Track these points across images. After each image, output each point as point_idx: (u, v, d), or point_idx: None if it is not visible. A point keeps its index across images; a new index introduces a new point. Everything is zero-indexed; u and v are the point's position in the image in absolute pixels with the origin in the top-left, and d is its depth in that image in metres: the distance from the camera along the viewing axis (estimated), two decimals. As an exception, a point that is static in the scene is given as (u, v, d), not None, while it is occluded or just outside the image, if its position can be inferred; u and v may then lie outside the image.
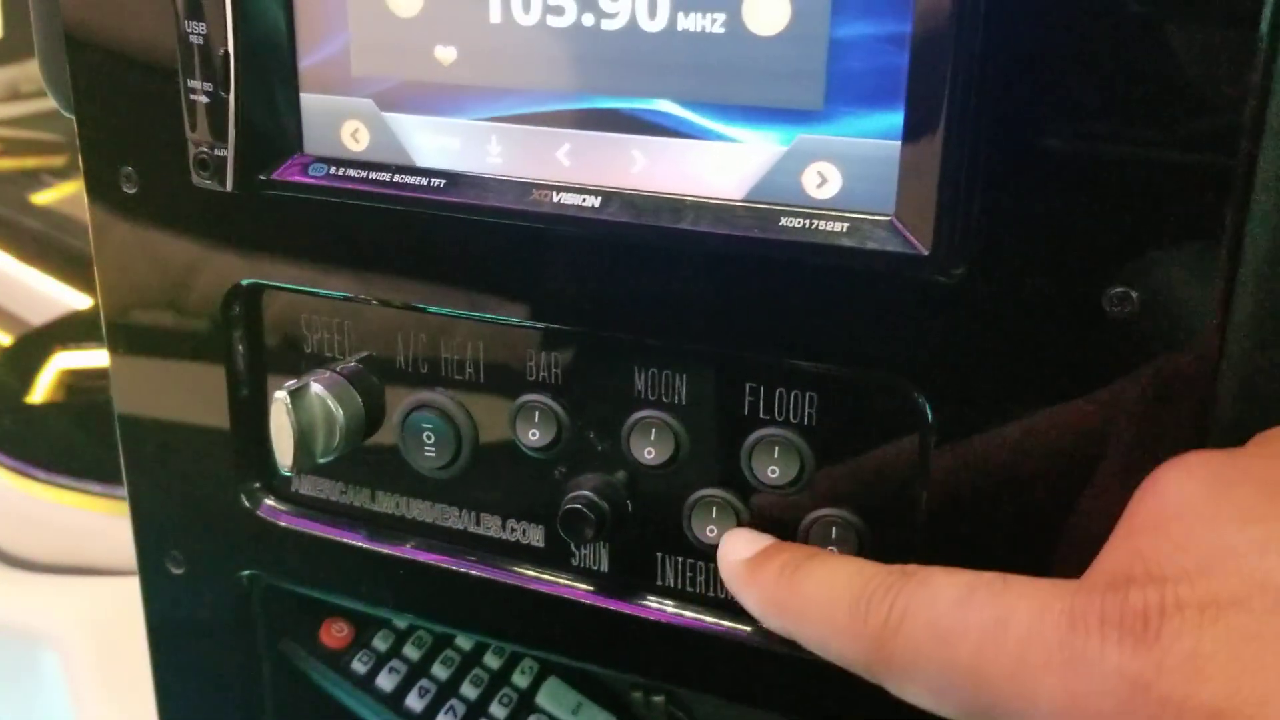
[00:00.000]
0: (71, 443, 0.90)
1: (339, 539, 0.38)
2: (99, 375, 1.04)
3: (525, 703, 0.43)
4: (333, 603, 0.41)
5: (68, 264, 1.34)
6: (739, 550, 0.29)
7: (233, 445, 0.38)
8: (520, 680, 0.43)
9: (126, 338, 0.39)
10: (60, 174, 1.46)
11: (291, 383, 0.34)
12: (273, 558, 0.39)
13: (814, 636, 0.26)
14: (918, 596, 0.24)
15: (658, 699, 0.43)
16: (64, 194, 1.44)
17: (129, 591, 0.71)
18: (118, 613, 0.72)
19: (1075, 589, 0.22)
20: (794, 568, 0.27)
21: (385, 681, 0.42)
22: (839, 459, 0.30)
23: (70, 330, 1.16)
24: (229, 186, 0.34)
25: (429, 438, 0.35)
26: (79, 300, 1.28)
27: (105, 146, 0.37)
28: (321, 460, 0.35)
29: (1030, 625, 0.22)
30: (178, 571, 0.41)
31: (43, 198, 1.46)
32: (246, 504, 0.39)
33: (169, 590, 0.42)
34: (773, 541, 0.29)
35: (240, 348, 0.38)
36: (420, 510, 0.37)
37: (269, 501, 0.39)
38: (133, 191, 0.37)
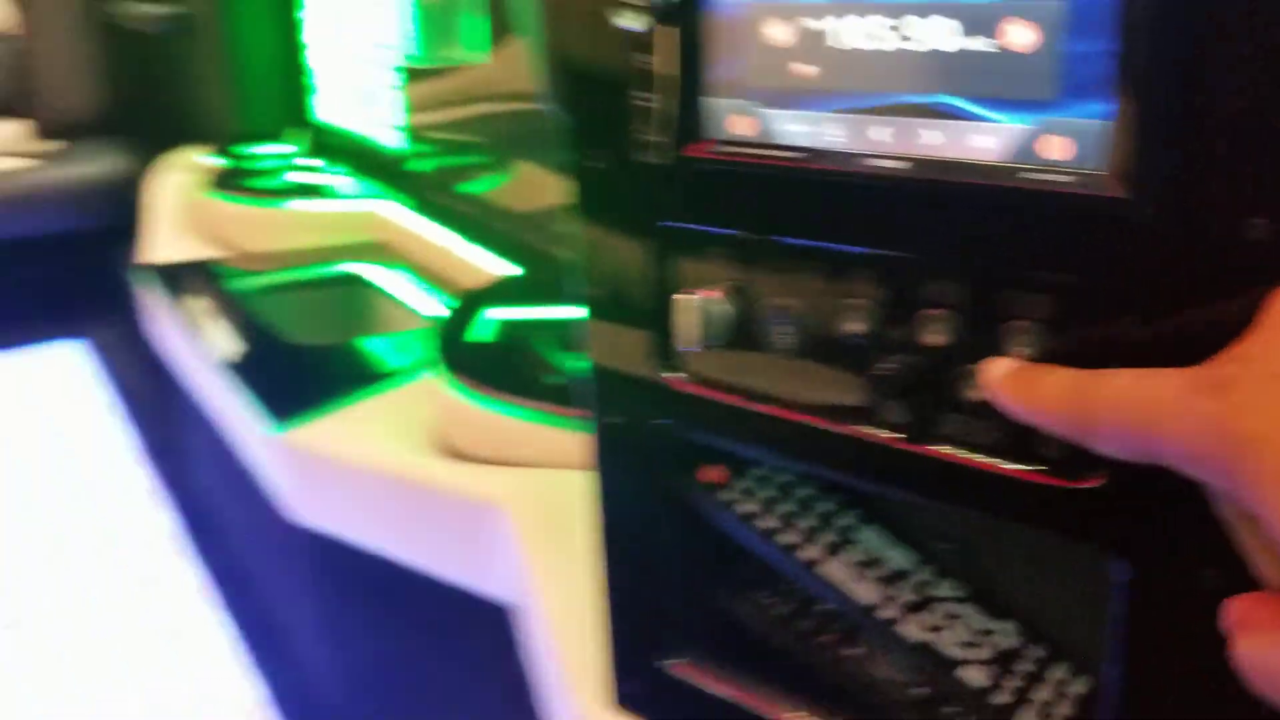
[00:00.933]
0: (500, 369, 1.16)
1: (721, 399, 0.55)
2: (520, 325, 1.32)
3: (850, 538, 0.59)
4: (714, 448, 0.58)
5: (493, 240, 1.66)
6: (995, 367, 0.43)
7: (652, 336, 0.57)
8: (845, 521, 0.60)
9: (599, 262, 0.59)
10: (483, 169, 1.78)
11: (690, 293, 0.52)
12: (677, 412, 0.58)
13: (1042, 415, 0.40)
14: (1108, 378, 0.37)
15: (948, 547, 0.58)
16: (488, 185, 1.75)
17: (553, 477, 0.95)
18: (548, 486, 0.97)
19: (1198, 367, 0.35)
20: (1029, 371, 0.41)
21: (748, 507, 0.60)
22: (1063, 337, 0.43)
23: (498, 290, 1.45)
24: (659, 159, 0.53)
25: (782, 334, 0.52)
26: (502, 269, 1.58)
27: (586, 136, 0.57)
28: (707, 346, 0.53)
29: (1168, 390, 0.35)
30: (617, 421, 0.61)
31: (472, 188, 1.79)
32: (659, 375, 0.58)
33: (611, 441, 0.62)
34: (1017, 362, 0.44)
35: (659, 270, 0.56)
36: (772, 383, 0.54)
37: (671, 374, 0.57)
38: (601, 167, 0.57)
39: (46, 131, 3.35)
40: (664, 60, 0.52)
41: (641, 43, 0.53)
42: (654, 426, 0.59)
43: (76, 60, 3.39)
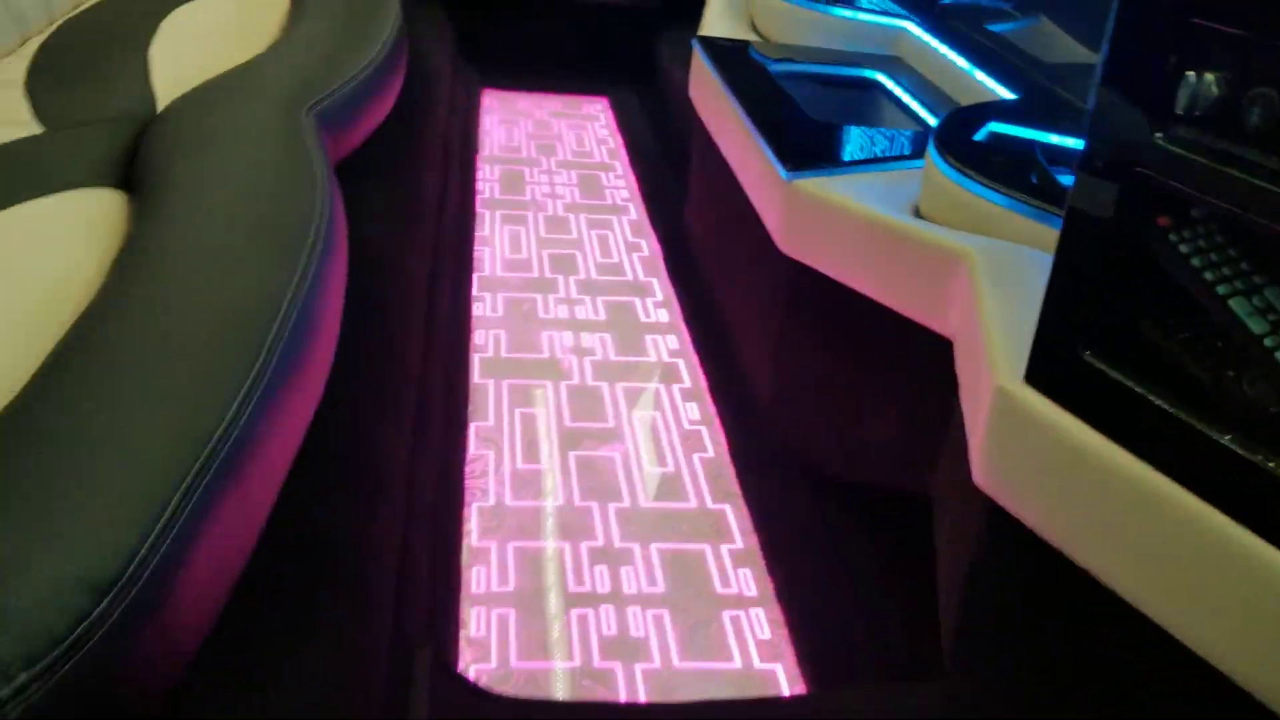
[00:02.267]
0: (982, 158, 1.38)
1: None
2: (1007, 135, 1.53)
3: (1260, 287, 0.79)
4: (1175, 200, 0.80)
5: (1001, 71, 1.84)
6: None
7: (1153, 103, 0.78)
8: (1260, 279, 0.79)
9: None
10: (1011, 14, 1.93)
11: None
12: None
13: None
14: None
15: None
16: (1012, 27, 1.92)
17: (1015, 248, 1.18)
18: (1010, 251, 1.21)
19: None
20: None
21: (1187, 248, 0.81)
22: None
23: (994, 107, 1.66)
24: None
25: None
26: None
27: None
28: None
29: None
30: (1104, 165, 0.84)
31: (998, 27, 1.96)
32: (1154, 138, 0.79)
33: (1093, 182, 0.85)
34: None
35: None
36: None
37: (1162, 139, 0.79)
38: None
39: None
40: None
41: None
42: (1136, 175, 0.81)
43: None
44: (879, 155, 1.65)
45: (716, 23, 2.40)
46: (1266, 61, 0.71)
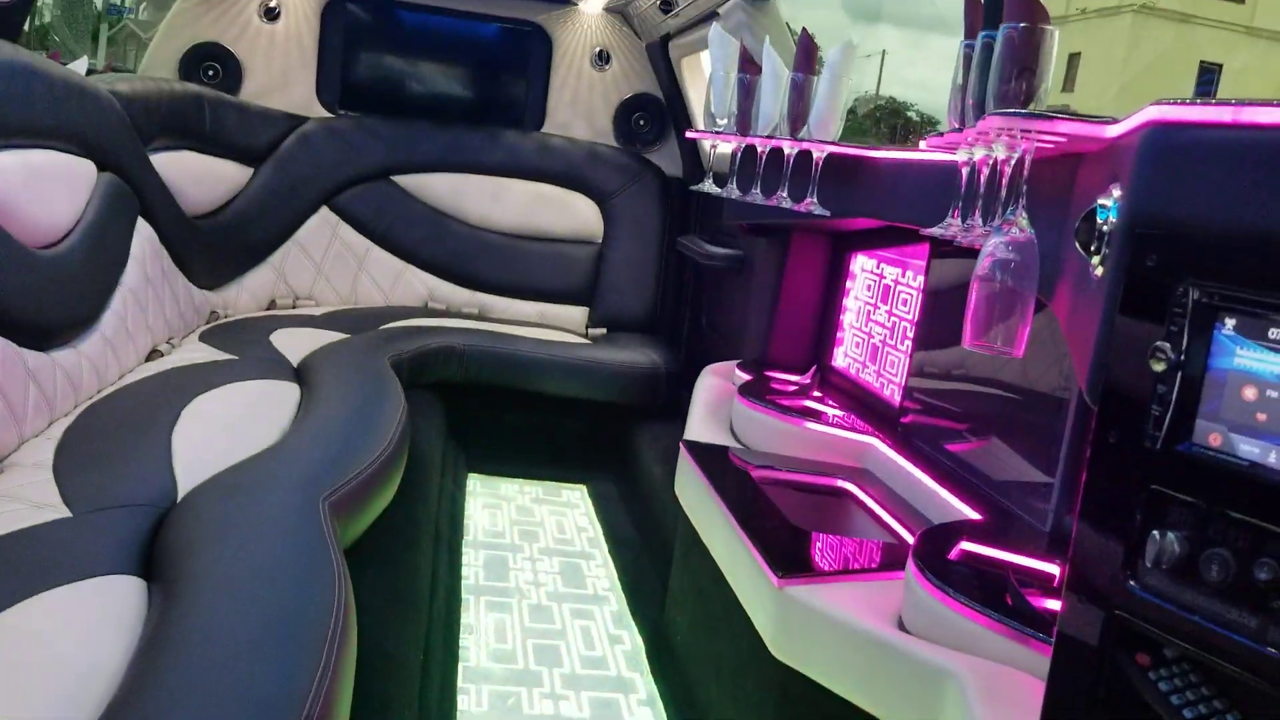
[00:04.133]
0: (963, 580, 1.49)
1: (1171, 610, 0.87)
2: (983, 557, 1.65)
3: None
4: (1151, 639, 0.90)
5: (966, 489, 2.01)
6: None
7: (1125, 554, 0.91)
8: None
9: (1095, 491, 0.95)
10: (968, 433, 2.14)
11: (1161, 532, 0.86)
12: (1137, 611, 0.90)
13: None
14: None
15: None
16: (967, 444, 2.11)
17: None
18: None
19: None
20: None
21: (1167, 686, 0.90)
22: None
23: (963, 528, 1.79)
24: (1154, 447, 0.89)
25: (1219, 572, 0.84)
26: (968, 513, 1.92)
27: (1107, 418, 0.94)
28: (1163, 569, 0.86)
29: None
30: (1085, 606, 0.94)
31: (955, 444, 2.16)
32: (1128, 582, 0.91)
33: (1076, 621, 0.95)
34: None
35: (1143, 514, 0.90)
36: (1213, 611, 0.85)
37: (1135, 584, 0.90)
38: (1112, 441, 0.93)
39: (597, 320, 4.25)
40: (1167, 391, 0.89)
41: (1161, 378, 0.89)
42: (1115, 617, 0.92)
43: (639, 273, 4.29)
44: (862, 565, 1.77)
45: (699, 427, 2.60)
46: (1219, 527, 0.85)
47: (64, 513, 1.74)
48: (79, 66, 5.08)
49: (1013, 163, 1.33)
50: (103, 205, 2.61)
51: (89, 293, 2.51)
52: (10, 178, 2.13)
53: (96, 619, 1.40)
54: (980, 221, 1.45)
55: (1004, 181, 1.35)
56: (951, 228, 1.51)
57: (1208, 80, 34.37)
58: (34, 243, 2.24)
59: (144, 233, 2.93)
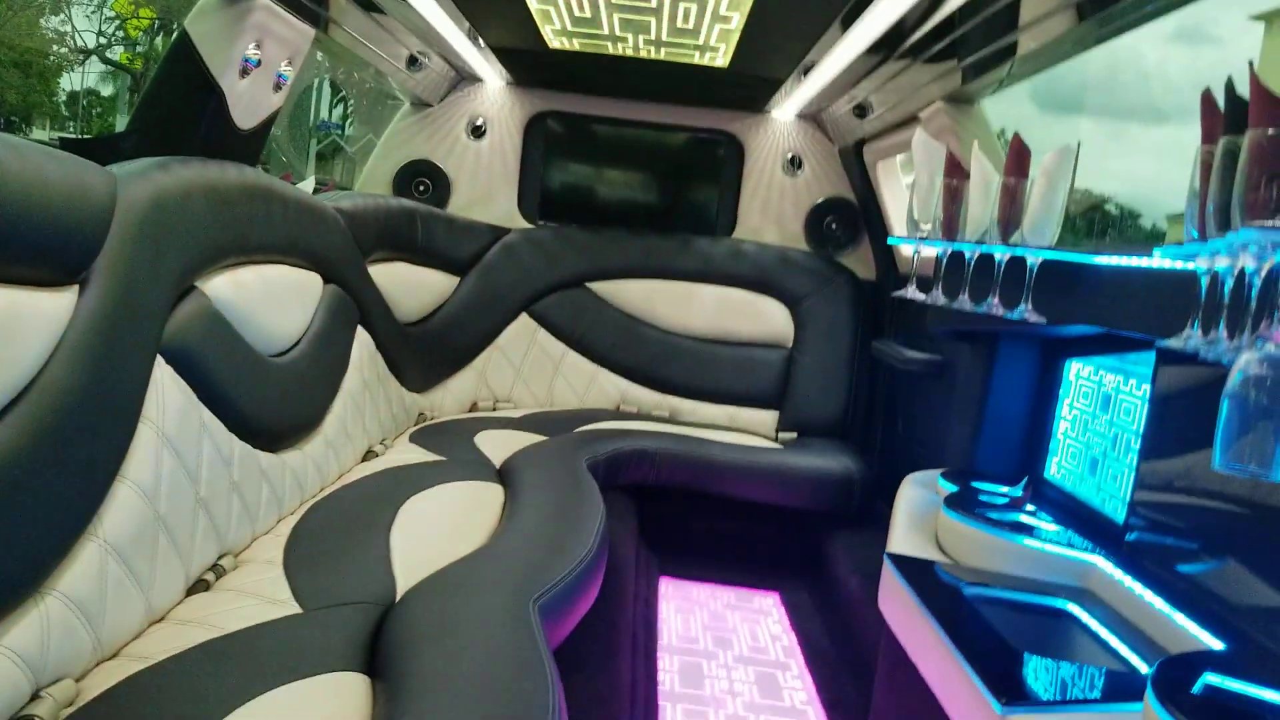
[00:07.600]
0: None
1: None
2: (1230, 692, 1.51)
3: None
4: None
5: (1204, 616, 1.86)
6: None
7: None
8: None
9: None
10: (1199, 553, 1.99)
11: None
12: None
13: None
14: None
15: None
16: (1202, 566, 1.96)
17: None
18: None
19: None
20: None
21: None
22: None
23: (1206, 657, 1.66)
24: None
25: None
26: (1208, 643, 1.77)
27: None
28: None
29: None
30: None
31: (1190, 566, 2.01)
32: None
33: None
34: None
35: None
36: None
37: None
38: None
39: (788, 424, 4.21)
40: None
41: None
42: None
43: (831, 377, 4.24)
44: (1090, 695, 1.66)
45: (903, 539, 2.52)
46: None
47: (296, 609, 1.83)
48: (307, 186, 5.53)
49: (1263, 274, 1.25)
50: (328, 315, 2.80)
51: (315, 397, 2.68)
52: (251, 292, 2.32)
53: (331, 714, 1.46)
54: (1226, 334, 1.37)
55: (1253, 293, 1.27)
56: (1192, 340, 1.44)
57: None
58: (268, 351, 2.41)
59: (363, 340, 3.12)
